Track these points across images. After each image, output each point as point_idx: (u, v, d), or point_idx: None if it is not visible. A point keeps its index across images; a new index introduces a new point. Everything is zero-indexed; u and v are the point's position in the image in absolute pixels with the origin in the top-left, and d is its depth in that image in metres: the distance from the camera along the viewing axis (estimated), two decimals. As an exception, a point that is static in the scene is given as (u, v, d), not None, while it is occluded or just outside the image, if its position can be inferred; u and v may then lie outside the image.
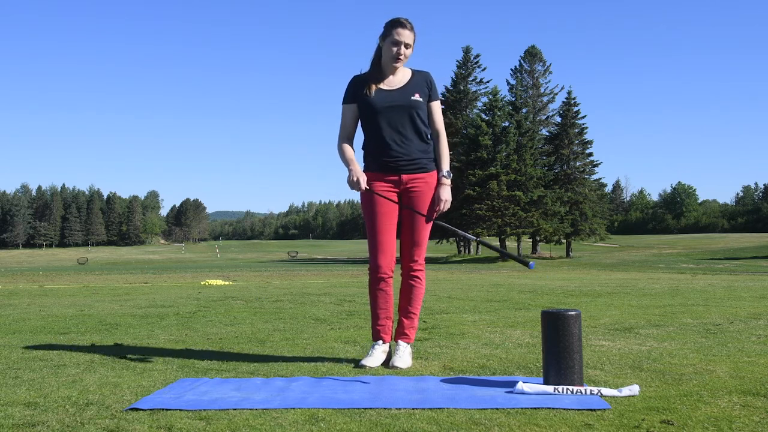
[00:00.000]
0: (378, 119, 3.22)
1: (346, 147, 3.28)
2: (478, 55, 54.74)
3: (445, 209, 3.27)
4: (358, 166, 3.22)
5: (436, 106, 3.31)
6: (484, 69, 55.65)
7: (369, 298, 3.33)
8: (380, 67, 3.25)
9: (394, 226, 3.27)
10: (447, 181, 3.27)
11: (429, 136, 3.31)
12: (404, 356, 3.20)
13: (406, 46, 3.15)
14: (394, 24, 3.17)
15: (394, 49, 3.15)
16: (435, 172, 3.32)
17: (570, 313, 2.60)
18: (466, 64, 55.11)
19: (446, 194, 3.27)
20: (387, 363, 3.21)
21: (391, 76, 3.26)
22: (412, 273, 3.33)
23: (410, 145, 3.23)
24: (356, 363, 3.22)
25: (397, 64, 3.19)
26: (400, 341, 3.27)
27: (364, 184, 3.14)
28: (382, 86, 3.23)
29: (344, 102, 3.29)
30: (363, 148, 3.34)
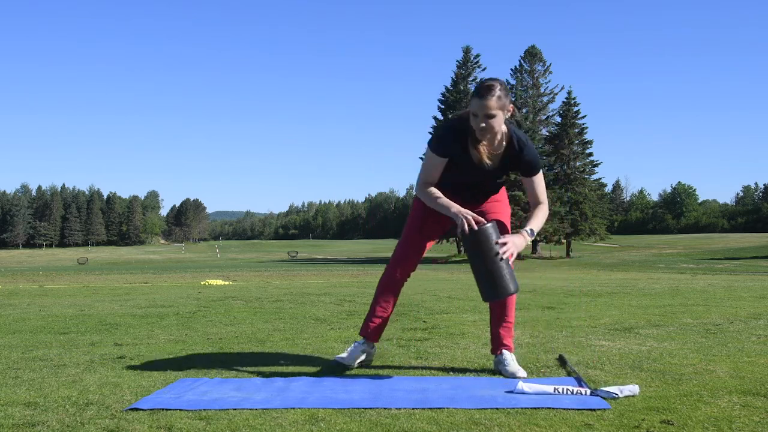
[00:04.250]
0: (460, 187, 3.04)
1: (432, 189, 2.98)
2: (478, 55, 54.72)
3: (508, 254, 2.77)
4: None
5: (538, 179, 2.98)
6: (484, 69, 55.59)
7: (375, 292, 3.22)
8: (474, 133, 2.87)
9: (426, 242, 3.16)
10: (526, 236, 2.89)
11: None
12: (514, 364, 3.01)
13: (488, 116, 2.75)
14: (475, 92, 2.79)
15: (474, 121, 2.81)
16: (503, 188, 3.20)
17: (485, 225, 2.74)
18: (466, 64, 55.07)
19: (518, 240, 2.83)
20: (367, 363, 3.16)
21: (490, 143, 2.91)
22: None
23: (479, 204, 3.11)
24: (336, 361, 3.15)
25: (482, 139, 2.85)
26: (504, 351, 3.08)
27: (478, 221, 2.79)
28: (482, 154, 2.91)
29: (436, 152, 2.93)
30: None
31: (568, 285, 10.61)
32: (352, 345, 3.20)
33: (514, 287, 2.81)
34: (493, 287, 2.79)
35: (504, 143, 2.93)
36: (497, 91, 2.75)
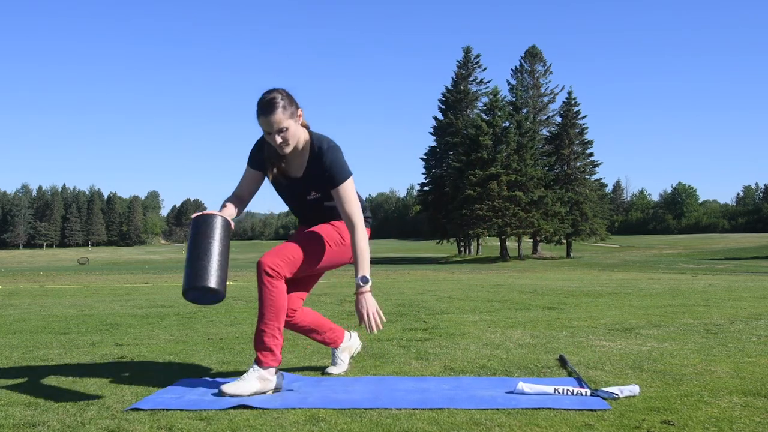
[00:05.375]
0: (291, 208, 2.94)
1: (227, 204, 2.80)
2: (478, 56, 54.83)
3: (377, 322, 2.63)
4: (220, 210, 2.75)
5: (342, 191, 2.69)
6: (485, 69, 55.73)
7: None
8: (274, 150, 2.75)
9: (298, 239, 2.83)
10: (365, 288, 2.64)
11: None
12: (244, 381, 2.57)
13: (280, 130, 2.63)
14: (258, 111, 2.64)
15: (270, 140, 2.67)
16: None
17: (211, 214, 2.57)
18: (467, 64, 55.17)
19: (365, 300, 2.63)
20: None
21: (290, 157, 2.78)
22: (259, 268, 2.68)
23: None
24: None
25: (283, 153, 2.71)
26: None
27: (197, 213, 2.64)
28: (284, 169, 2.81)
29: (248, 162, 2.84)
30: None
31: (569, 285, 10.61)
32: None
33: (216, 283, 2.49)
34: (194, 274, 2.48)
35: (306, 150, 2.77)
36: (280, 102, 2.62)
